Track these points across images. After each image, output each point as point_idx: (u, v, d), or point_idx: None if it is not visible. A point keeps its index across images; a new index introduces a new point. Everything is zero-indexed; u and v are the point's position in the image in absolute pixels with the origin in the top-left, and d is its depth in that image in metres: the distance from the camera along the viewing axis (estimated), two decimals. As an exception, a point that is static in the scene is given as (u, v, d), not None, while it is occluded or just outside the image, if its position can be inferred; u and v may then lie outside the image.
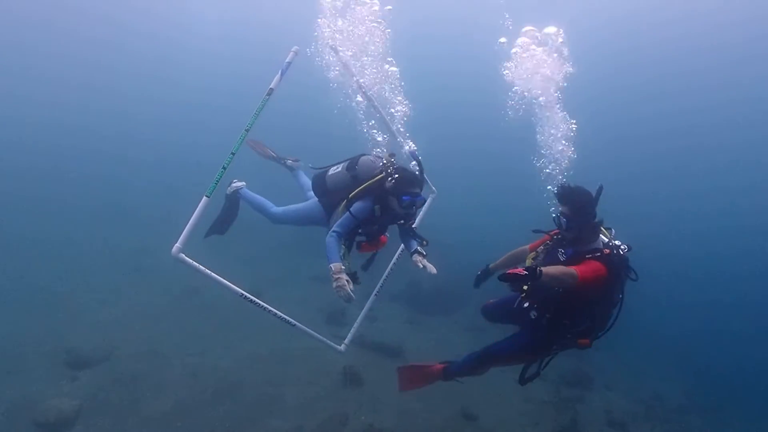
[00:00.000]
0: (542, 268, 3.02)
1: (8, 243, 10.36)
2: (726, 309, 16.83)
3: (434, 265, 4.21)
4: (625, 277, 3.62)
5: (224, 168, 3.46)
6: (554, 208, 3.78)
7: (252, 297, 3.61)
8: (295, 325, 4.00)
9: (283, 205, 4.75)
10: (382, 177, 4.06)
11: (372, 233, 4.30)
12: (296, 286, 10.70)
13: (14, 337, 6.90)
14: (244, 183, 4.88)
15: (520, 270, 2.94)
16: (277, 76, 3.76)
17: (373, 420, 6.38)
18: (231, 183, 4.82)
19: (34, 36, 24.57)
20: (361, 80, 4.55)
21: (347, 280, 3.70)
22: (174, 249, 3.16)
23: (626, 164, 26.92)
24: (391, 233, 4.56)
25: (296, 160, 5.08)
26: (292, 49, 3.84)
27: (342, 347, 4.62)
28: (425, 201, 4.16)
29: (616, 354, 10.42)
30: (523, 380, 3.97)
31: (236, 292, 3.50)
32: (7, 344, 6.71)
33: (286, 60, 3.80)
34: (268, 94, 3.69)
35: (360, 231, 4.23)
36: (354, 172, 4.19)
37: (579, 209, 3.54)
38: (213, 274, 3.36)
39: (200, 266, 3.29)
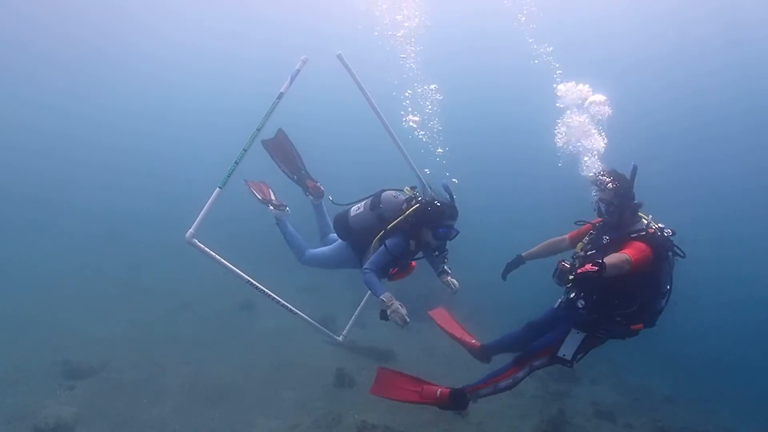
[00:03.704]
0: (605, 260, 3.01)
1: (2, 260, 10.49)
2: (711, 303, 17.14)
3: (457, 281, 4.43)
4: (672, 261, 3.61)
5: (236, 162, 3.77)
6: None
7: (257, 284, 3.89)
8: (296, 313, 4.27)
9: (314, 247, 4.61)
10: (416, 209, 3.96)
11: (404, 264, 4.25)
12: (284, 297, 10.86)
13: (10, 352, 7.01)
14: (289, 211, 4.64)
15: (589, 266, 2.93)
16: (287, 82, 4.09)
17: (366, 417, 6.54)
18: (280, 205, 4.59)
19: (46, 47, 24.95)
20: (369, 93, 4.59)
21: (401, 305, 3.69)
22: (188, 234, 3.45)
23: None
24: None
25: (319, 190, 4.66)
26: (301, 58, 4.16)
27: (340, 337, 4.88)
28: (458, 233, 4.04)
29: (602, 350, 10.61)
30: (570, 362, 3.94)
31: (243, 279, 3.79)
32: (3, 359, 6.82)
33: (296, 68, 4.13)
34: (278, 98, 4.01)
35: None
36: (379, 211, 4.08)
37: (618, 193, 3.57)
38: (222, 260, 3.65)
39: (210, 251, 3.58)
